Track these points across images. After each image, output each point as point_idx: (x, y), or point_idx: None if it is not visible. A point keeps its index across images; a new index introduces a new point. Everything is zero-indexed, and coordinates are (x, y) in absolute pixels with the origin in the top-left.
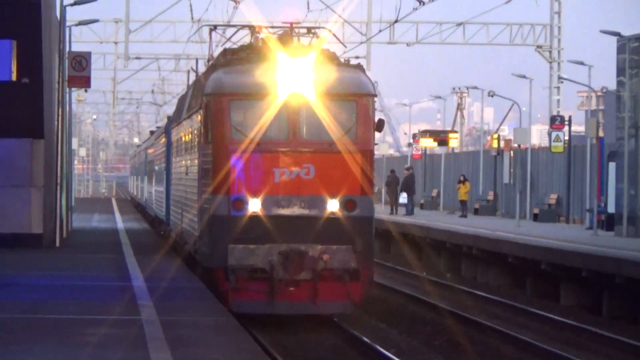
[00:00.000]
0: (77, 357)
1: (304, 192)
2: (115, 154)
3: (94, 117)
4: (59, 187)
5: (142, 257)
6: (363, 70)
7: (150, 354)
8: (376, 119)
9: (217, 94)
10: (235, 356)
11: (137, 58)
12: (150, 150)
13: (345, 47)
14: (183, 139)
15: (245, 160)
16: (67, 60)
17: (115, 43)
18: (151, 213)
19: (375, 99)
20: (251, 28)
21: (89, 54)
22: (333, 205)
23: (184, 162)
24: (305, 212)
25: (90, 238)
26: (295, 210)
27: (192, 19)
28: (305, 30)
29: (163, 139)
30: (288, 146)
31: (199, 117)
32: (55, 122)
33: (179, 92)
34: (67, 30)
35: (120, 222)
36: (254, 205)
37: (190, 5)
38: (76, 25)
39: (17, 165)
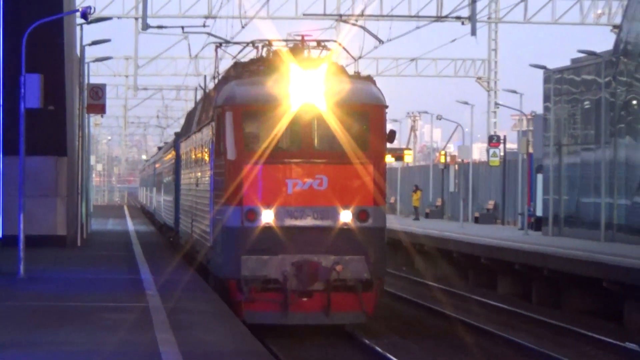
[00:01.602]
0: (96, 337)
1: (317, 203)
2: (127, 169)
3: (109, 138)
4: (79, 197)
5: (149, 255)
6: (374, 82)
7: (156, 335)
8: (387, 130)
9: (230, 105)
10: (228, 338)
11: (144, 89)
12: (157, 165)
13: (355, 59)
14: (193, 151)
15: (258, 172)
16: (85, 91)
17: (126, 76)
18: (160, 220)
19: (386, 110)
20: (255, 45)
21: (104, 85)
22: (346, 216)
23: (193, 173)
24: (318, 222)
25: (106, 239)
26: (308, 221)
27: (190, 56)
28: (315, 44)
29: (171, 154)
30: (301, 157)
31: (210, 130)
32: (76, 142)
33: (179, 117)
34: (85, 65)
35: (131, 226)
36: (267, 217)
37: (189, 45)
38: (93, 61)
39: (45, 179)
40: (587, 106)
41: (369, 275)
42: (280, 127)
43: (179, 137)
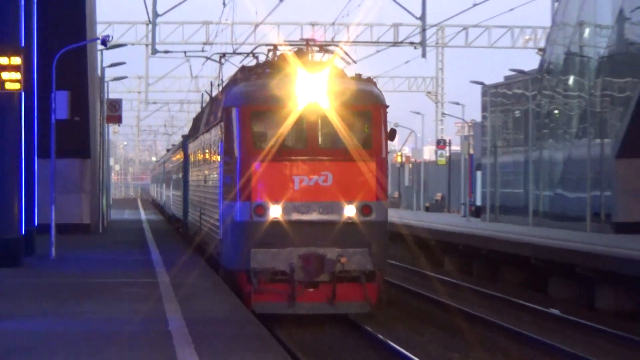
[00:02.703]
0: (115, 307)
1: (322, 199)
2: (139, 168)
3: (125, 143)
4: (100, 192)
5: (159, 240)
6: (374, 84)
7: (165, 305)
8: (388, 129)
9: (239, 105)
10: (222, 306)
11: (154, 103)
12: (167, 165)
13: (356, 63)
14: (201, 150)
15: (266, 169)
16: (105, 105)
17: (139, 92)
18: (169, 212)
19: (387, 110)
20: (255, 55)
21: (120, 100)
22: (350, 211)
23: (202, 171)
24: (324, 217)
25: (122, 226)
26: (314, 216)
27: (191, 76)
28: (317, 48)
29: (179, 154)
30: (307, 155)
31: (220, 130)
32: (98, 147)
33: (183, 125)
34: (105, 84)
35: (143, 216)
36: (275, 211)
37: (190, 67)
38: (111, 80)
39: (72, 177)
40: (517, 115)
41: (372, 266)
42: (286, 126)
43: (187, 139)
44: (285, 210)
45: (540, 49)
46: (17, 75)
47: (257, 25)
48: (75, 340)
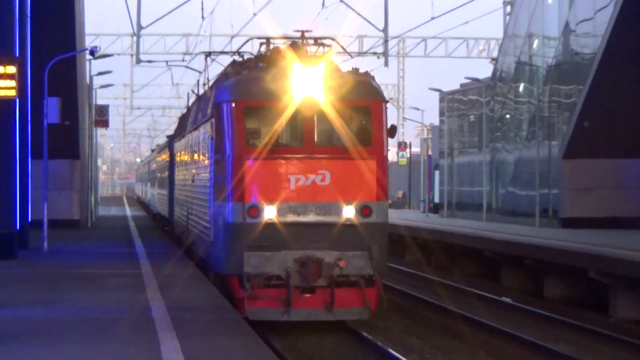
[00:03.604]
0: (103, 296)
1: (320, 199)
2: (125, 168)
3: (111, 145)
4: (89, 190)
5: (142, 234)
6: (373, 78)
7: (147, 294)
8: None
9: (231, 100)
10: (201, 296)
11: (138, 108)
12: (152, 164)
13: (352, 57)
14: (189, 149)
15: (260, 167)
16: (93, 110)
17: (124, 99)
18: (154, 210)
19: (387, 105)
20: (241, 54)
21: (107, 106)
22: (349, 212)
23: (189, 170)
24: (321, 218)
25: (109, 222)
26: (311, 217)
27: (172, 83)
28: (312, 41)
29: (165, 154)
30: (303, 152)
31: (210, 127)
32: (87, 149)
33: (165, 129)
34: (93, 91)
35: (128, 212)
36: (270, 213)
37: (171, 75)
38: (99, 87)
39: (63, 176)
40: (472, 119)
41: (372, 270)
42: (281, 122)
43: (173, 138)
44: (281, 211)
45: (493, 59)
46: (12, 83)
47: (232, 37)
48: (66, 326)
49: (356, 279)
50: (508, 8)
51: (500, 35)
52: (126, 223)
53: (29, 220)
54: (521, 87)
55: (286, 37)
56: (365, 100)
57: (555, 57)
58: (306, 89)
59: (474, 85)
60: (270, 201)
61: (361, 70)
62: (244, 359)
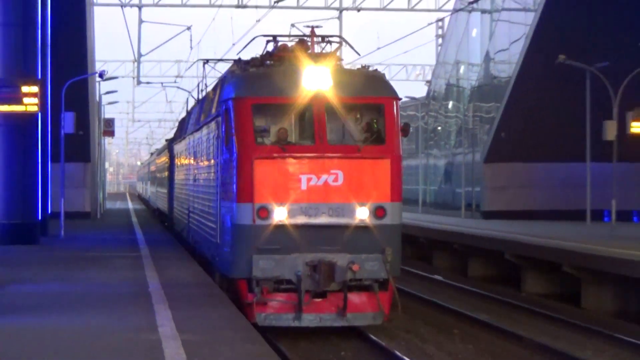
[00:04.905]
0: (108, 274)
1: (332, 200)
2: (128, 170)
3: (117, 151)
4: (98, 188)
5: (142, 224)
6: (383, 75)
7: (146, 273)
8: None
9: (239, 97)
10: (189, 272)
11: (139, 121)
12: (152, 166)
13: (359, 55)
14: (190, 150)
15: (270, 167)
16: (102, 122)
17: (127, 113)
18: (153, 205)
19: (399, 102)
20: (240, 61)
21: (113, 119)
22: (362, 213)
23: (192, 170)
24: (334, 220)
25: (115, 214)
26: (323, 219)
27: (167, 101)
28: (319, 39)
29: (165, 156)
30: (315, 152)
31: (216, 126)
32: (97, 154)
33: (160, 138)
34: (102, 106)
35: (131, 206)
36: (280, 214)
37: (165, 94)
38: (107, 104)
39: (77, 176)
40: (411, 132)
41: (386, 274)
42: (291, 119)
43: (172, 141)
44: (291, 213)
45: (427, 81)
46: (35, 100)
47: (233, 44)
48: (79, 298)
49: (370, 283)
50: (440, 40)
51: (433, 62)
52: (129, 215)
53: (49, 212)
54: (450, 105)
55: (293, 36)
56: (379, 97)
57: (478, 80)
58: (317, 85)
59: (412, 103)
60: (281, 202)
61: None
62: (224, 325)
